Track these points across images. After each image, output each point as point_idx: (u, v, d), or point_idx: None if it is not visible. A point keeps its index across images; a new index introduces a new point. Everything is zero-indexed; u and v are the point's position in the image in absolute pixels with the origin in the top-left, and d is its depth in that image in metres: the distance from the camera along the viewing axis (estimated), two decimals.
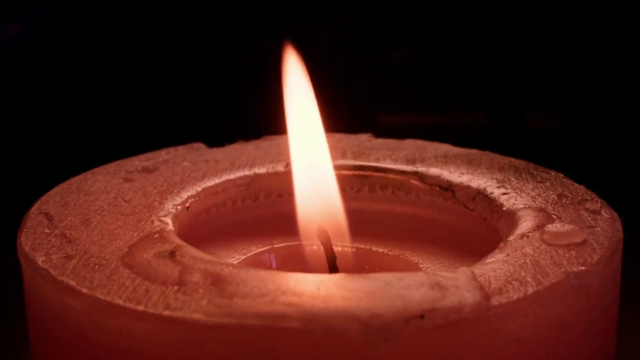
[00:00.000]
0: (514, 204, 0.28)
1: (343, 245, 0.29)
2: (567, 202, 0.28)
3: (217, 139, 0.34)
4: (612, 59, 0.67)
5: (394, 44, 0.69)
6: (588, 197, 0.28)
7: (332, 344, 0.21)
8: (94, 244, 0.26)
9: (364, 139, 0.34)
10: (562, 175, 0.30)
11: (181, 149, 0.33)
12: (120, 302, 0.22)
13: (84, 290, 0.23)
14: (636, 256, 0.36)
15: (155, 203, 0.28)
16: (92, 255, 0.25)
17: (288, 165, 0.31)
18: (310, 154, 0.30)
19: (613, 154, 0.65)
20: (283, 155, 0.32)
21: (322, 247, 0.28)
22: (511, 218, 0.27)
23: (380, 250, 0.30)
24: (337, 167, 0.30)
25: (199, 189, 0.30)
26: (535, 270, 0.24)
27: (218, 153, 0.32)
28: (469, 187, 0.30)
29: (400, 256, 0.30)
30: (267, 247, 0.30)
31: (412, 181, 0.31)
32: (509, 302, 0.22)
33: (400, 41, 0.70)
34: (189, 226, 0.29)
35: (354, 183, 0.31)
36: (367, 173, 0.32)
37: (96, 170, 0.31)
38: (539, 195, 0.29)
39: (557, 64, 0.68)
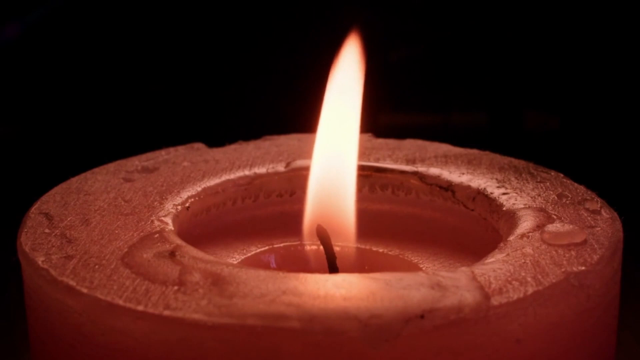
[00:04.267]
0: (514, 204, 0.28)
1: (343, 245, 0.29)
2: (567, 202, 0.28)
3: (217, 139, 0.34)
4: (612, 59, 0.67)
5: (394, 44, 0.69)
6: (588, 197, 0.28)
7: (332, 344, 0.21)
8: (94, 244, 0.26)
9: (364, 139, 0.34)
10: (562, 175, 0.30)
11: (181, 149, 0.33)
12: (120, 302, 0.22)
13: (84, 290, 0.23)
14: (636, 256, 0.36)
15: (155, 203, 0.28)
16: (92, 255, 0.25)
17: (288, 165, 0.31)
18: (336, 152, 0.30)
19: (613, 154, 0.65)
20: (283, 155, 0.32)
21: (322, 247, 0.28)
22: (511, 218, 0.27)
23: (380, 250, 0.30)
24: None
25: (199, 189, 0.30)
26: (535, 270, 0.24)
27: (218, 153, 0.32)
28: (469, 187, 0.30)
29: (400, 256, 0.30)
30: (267, 247, 0.30)
31: (412, 181, 0.31)
32: (509, 302, 0.22)
33: (400, 41, 0.70)
34: (189, 226, 0.29)
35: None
36: (367, 173, 0.32)
37: (96, 170, 0.31)
38: (539, 195, 0.29)
39: (557, 64, 0.68)
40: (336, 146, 0.30)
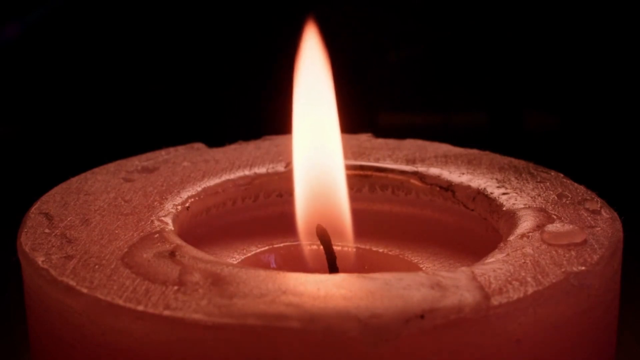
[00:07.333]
0: (514, 204, 0.28)
1: (343, 245, 0.29)
2: (567, 202, 0.28)
3: (217, 139, 0.34)
4: (612, 59, 0.67)
5: (394, 44, 0.69)
6: (588, 197, 0.28)
7: (332, 344, 0.21)
8: (94, 244, 0.26)
9: (364, 139, 0.34)
10: (562, 175, 0.30)
11: (181, 149, 0.33)
12: (120, 302, 0.22)
13: (84, 290, 0.23)
14: (636, 256, 0.36)
15: (155, 203, 0.28)
16: (92, 255, 0.25)
17: (288, 165, 0.31)
18: (318, 151, 0.30)
19: (613, 154, 0.65)
20: (283, 155, 0.32)
21: (322, 247, 0.28)
22: (511, 218, 0.27)
23: (380, 250, 0.30)
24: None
25: (199, 189, 0.30)
26: (535, 270, 0.24)
27: (218, 153, 0.32)
28: (469, 187, 0.30)
29: (400, 256, 0.30)
30: (267, 247, 0.30)
31: (412, 181, 0.31)
32: (509, 302, 0.22)
33: (400, 41, 0.70)
34: (189, 226, 0.29)
35: (354, 183, 0.31)
36: (367, 173, 0.32)
37: (96, 170, 0.31)
38: (539, 195, 0.29)
39: (557, 64, 0.68)
40: (319, 145, 0.30)
